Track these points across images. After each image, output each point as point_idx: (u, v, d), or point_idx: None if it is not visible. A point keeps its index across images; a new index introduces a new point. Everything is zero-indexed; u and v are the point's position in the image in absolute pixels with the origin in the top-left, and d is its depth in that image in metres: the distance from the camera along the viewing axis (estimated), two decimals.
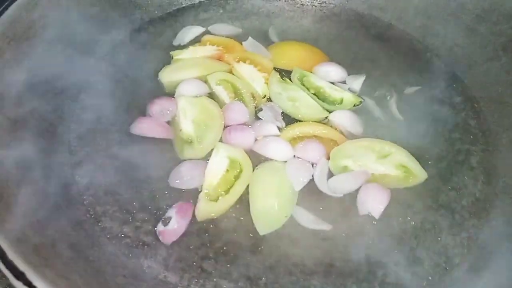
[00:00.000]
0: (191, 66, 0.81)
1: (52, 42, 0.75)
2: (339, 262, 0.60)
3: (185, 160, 0.68)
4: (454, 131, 0.75)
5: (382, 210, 0.64)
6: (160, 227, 0.62)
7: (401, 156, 0.67)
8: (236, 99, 0.77)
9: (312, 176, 0.67)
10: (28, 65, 0.70)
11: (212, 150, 0.68)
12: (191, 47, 0.85)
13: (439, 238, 0.63)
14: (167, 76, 0.80)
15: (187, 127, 0.72)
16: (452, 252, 0.61)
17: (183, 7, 0.95)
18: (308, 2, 0.98)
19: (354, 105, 0.77)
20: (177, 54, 0.84)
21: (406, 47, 0.90)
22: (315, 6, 0.97)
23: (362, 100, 0.77)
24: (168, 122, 0.74)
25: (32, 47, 0.71)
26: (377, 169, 0.67)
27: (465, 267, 0.60)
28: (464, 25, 0.86)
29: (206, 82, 0.79)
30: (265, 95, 0.78)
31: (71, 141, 0.72)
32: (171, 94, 0.77)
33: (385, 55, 0.88)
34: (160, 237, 0.61)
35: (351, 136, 0.72)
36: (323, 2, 0.97)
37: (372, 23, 0.95)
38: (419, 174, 0.67)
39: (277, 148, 0.69)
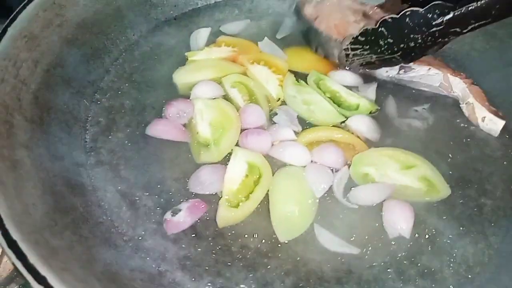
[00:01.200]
0: (205, 68, 0.80)
1: (68, 42, 0.74)
2: (357, 269, 0.60)
3: (202, 164, 0.68)
4: (473, 138, 0.74)
5: (411, 228, 0.62)
6: (167, 215, 0.63)
7: (426, 169, 0.66)
8: (251, 100, 0.76)
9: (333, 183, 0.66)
10: (43, 64, 0.69)
11: (228, 154, 0.67)
12: (206, 48, 0.84)
13: (459, 247, 0.62)
14: (181, 77, 0.79)
15: (204, 129, 0.71)
16: (473, 261, 0.61)
17: (199, 7, 0.94)
18: None
19: (370, 112, 0.75)
20: (192, 55, 0.83)
21: None
22: None
23: (379, 108, 0.76)
24: (184, 125, 0.73)
25: (49, 46, 0.71)
26: (398, 179, 0.65)
27: (486, 276, 0.59)
28: (483, 29, 0.84)
29: (220, 84, 0.78)
30: (279, 98, 0.77)
31: (86, 142, 0.71)
32: (185, 96, 0.77)
33: None
34: (163, 225, 0.62)
35: (368, 142, 0.71)
36: None
37: None
38: (443, 190, 0.65)
39: (294, 153, 0.68)
